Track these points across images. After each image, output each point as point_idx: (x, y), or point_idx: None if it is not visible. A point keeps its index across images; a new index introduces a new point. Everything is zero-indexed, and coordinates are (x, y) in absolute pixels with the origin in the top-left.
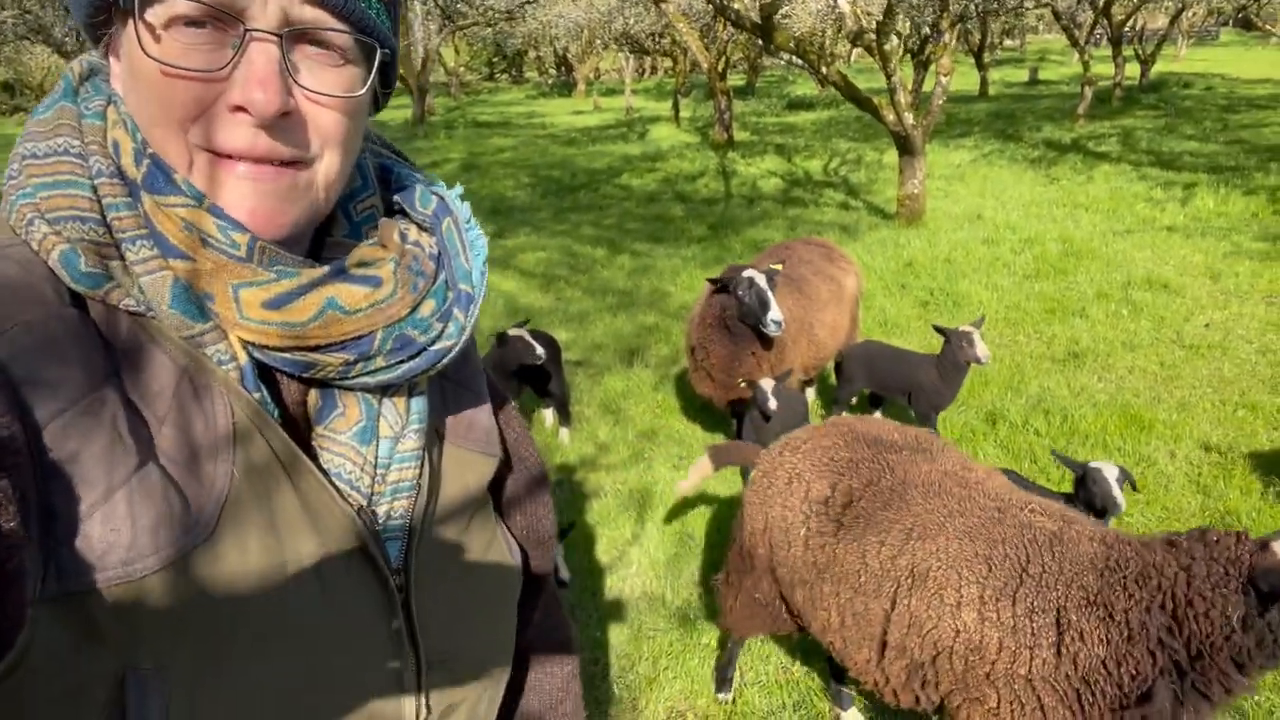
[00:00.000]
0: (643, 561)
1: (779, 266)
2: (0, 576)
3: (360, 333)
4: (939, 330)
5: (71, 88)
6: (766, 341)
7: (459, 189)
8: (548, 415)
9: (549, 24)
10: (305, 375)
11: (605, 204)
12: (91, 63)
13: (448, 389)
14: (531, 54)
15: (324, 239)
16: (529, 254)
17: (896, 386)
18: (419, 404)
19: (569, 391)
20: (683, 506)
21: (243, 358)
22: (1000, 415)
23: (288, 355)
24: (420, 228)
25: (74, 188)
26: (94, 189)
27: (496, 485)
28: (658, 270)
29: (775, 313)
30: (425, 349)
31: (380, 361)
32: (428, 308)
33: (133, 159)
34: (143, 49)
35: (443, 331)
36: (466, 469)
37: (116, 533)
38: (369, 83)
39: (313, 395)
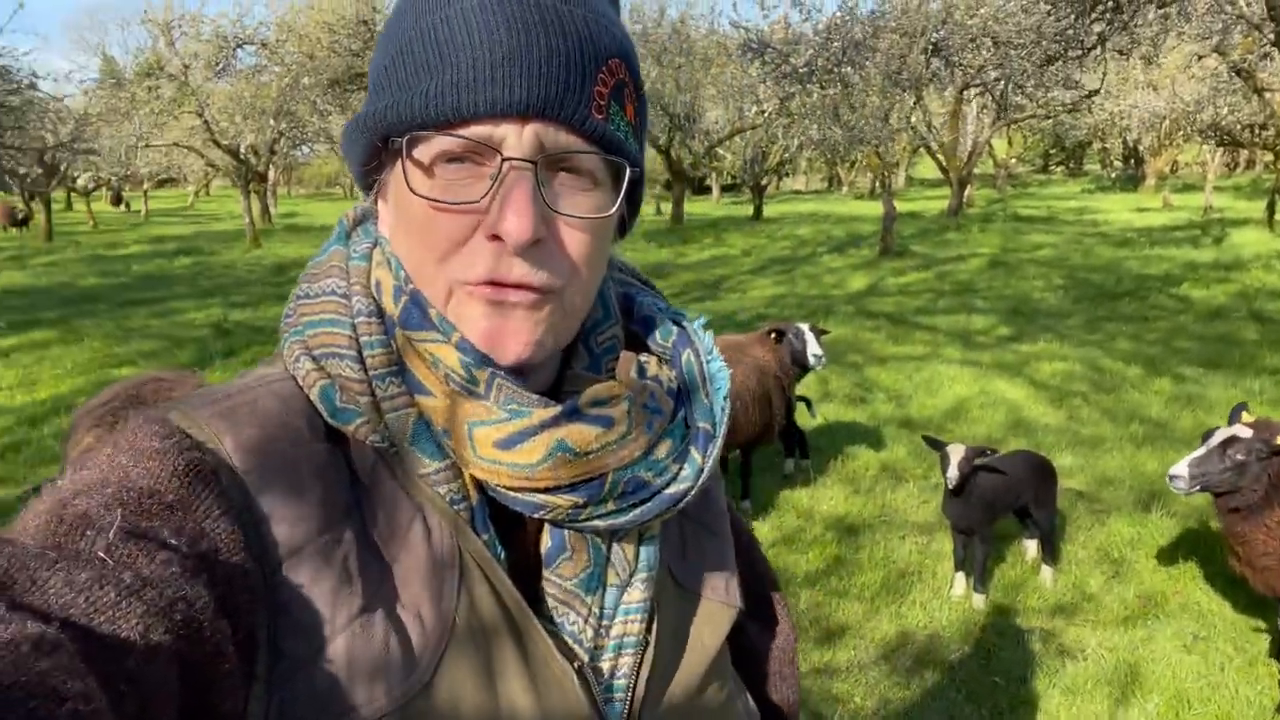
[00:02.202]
0: None
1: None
2: (218, 718)
3: (591, 475)
4: None
5: (344, 232)
6: None
7: (702, 319)
8: (1030, 547)
9: (1120, 114)
10: (534, 516)
11: (1153, 316)
12: (364, 209)
13: (687, 530)
14: (1096, 145)
15: (565, 372)
16: (1046, 363)
17: None
18: (648, 551)
19: (1057, 524)
20: (1181, 694)
21: (474, 497)
22: None
23: (518, 495)
24: (660, 360)
25: (336, 326)
26: (353, 327)
27: (735, 635)
28: (1207, 401)
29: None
30: (658, 492)
31: (610, 505)
32: (664, 448)
33: (392, 296)
34: (411, 187)
35: (678, 474)
36: (702, 621)
37: (335, 678)
38: (618, 204)
39: (545, 535)
